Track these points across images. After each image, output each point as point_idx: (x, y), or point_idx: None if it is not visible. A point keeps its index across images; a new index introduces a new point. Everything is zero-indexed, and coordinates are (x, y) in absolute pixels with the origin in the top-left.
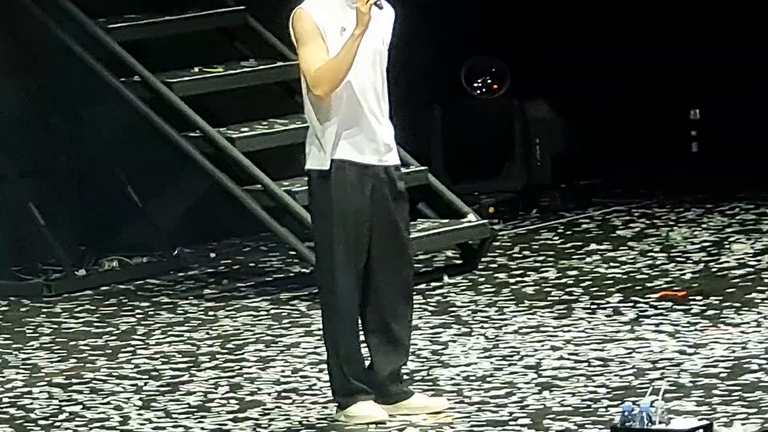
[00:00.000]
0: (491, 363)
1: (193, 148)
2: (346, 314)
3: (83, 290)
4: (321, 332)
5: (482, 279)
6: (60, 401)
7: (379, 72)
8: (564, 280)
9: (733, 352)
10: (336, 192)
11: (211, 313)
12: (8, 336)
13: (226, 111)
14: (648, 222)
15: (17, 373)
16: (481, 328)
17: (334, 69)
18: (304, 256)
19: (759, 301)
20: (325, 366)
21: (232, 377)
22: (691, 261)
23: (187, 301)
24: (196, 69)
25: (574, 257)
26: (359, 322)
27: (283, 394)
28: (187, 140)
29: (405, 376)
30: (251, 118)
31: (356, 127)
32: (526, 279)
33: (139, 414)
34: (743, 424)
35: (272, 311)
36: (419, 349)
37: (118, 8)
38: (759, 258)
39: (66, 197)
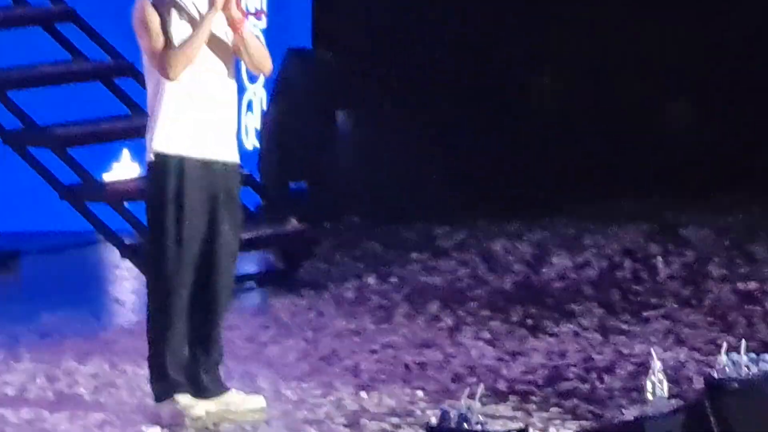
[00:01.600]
0: (309, 364)
1: (19, 143)
2: (175, 307)
3: None
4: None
5: (303, 283)
6: None
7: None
8: (384, 287)
9: (551, 360)
10: (173, 182)
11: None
12: None
13: (53, 108)
14: (470, 233)
15: None
16: (301, 330)
17: (181, 52)
18: (127, 255)
19: (577, 311)
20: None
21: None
22: (511, 272)
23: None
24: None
25: (395, 265)
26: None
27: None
28: (13, 135)
29: (222, 374)
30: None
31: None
32: (346, 284)
33: None
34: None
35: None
36: (239, 348)
37: None
38: (579, 271)
39: None
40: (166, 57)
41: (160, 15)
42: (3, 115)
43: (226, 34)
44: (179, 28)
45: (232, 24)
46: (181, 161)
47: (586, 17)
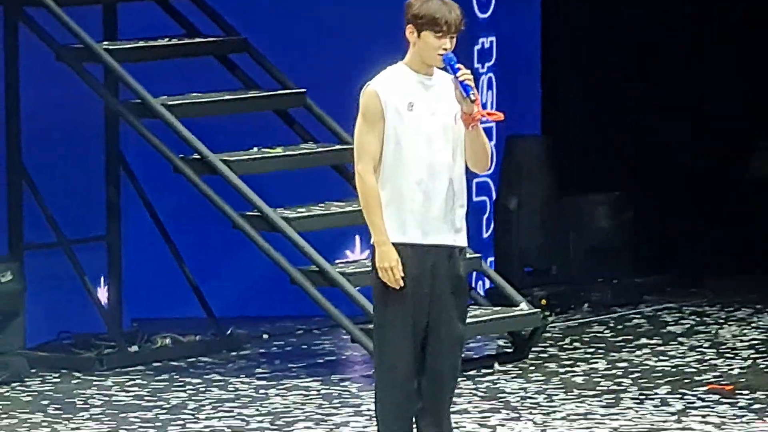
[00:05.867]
0: None
1: (249, 227)
2: (402, 391)
3: (135, 365)
4: (373, 412)
5: (532, 367)
6: None
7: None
8: (613, 371)
9: None
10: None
11: (262, 391)
12: (59, 407)
13: (284, 192)
14: (698, 319)
15: None
16: (530, 414)
17: (367, 201)
18: (357, 339)
19: None
20: None
21: None
22: (739, 357)
23: (239, 379)
24: (255, 149)
25: (624, 350)
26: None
27: None
28: (244, 219)
29: None
30: (308, 199)
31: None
32: (575, 369)
33: None
34: None
35: (323, 391)
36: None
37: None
38: None
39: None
40: (364, 165)
41: (383, 107)
42: (235, 200)
43: (455, 120)
44: (398, 123)
45: (466, 119)
46: (404, 247)
47: None
